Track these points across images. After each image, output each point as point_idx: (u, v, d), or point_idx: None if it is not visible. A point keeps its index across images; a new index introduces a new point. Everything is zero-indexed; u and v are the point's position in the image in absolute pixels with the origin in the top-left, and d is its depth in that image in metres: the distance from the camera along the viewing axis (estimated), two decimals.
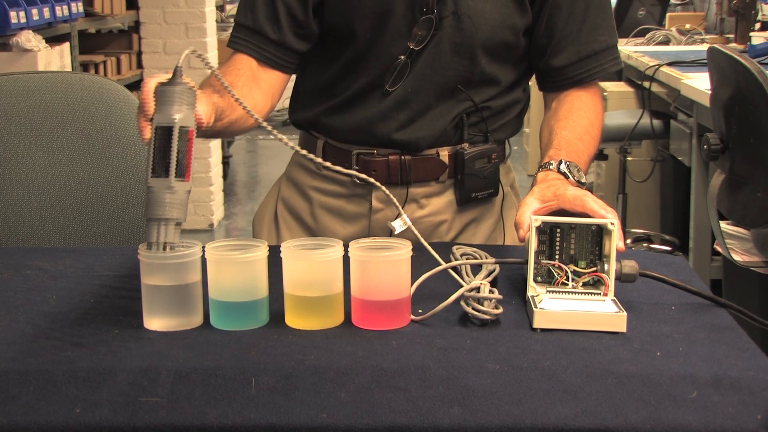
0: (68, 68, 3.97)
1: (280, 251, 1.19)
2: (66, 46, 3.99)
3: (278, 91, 1.60)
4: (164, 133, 1.15)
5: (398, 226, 1.30)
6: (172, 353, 1.10)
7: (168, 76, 1.19)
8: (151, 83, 1.18)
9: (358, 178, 1.55)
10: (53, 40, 3.96)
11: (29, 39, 3.59)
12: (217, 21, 5.66)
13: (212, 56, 5.39)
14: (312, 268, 1.19)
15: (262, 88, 1.56)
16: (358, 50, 1.58)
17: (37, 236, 1.84)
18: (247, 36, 1.57)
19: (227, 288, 1.19)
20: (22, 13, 3.56)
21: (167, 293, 1.18)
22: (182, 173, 1.15)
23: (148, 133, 1.16)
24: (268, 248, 1.20)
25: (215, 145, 5.48)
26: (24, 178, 1.84)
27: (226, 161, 6.32)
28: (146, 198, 1.15)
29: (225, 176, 6.06)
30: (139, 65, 5.23)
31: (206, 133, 1.33)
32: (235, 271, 1.19)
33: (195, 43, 5.25)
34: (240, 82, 1.51)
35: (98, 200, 1.87)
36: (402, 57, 1.56)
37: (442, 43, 1.56)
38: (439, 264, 1.29)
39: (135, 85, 5.16)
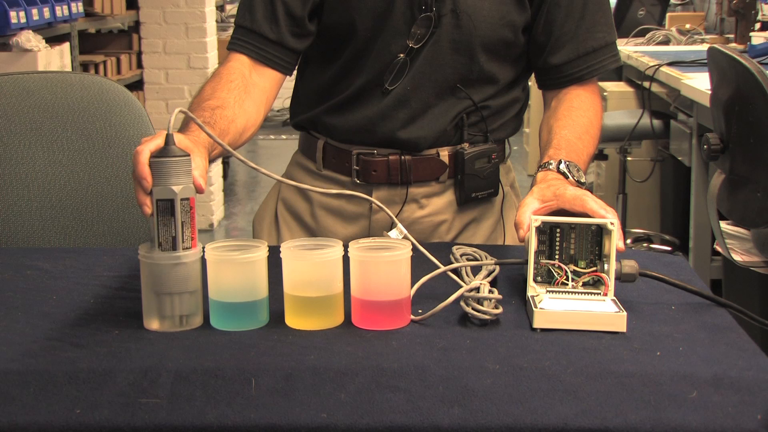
0: (68, 68, 3.97)
1: (280, 251, 1.19)
2: (66, 46, 3.99)
3: (272, 95, 1.60)
4: (166, 207, 1.16)
5: (394, 235, 1.30)
6: (172, 354, 1.10)
7: (159, 142, 1.19)
8: (144, 155, 1.17)
9: (357, 183, 1.55)
10: (53, 40, 3.96)
11: (29, 39, 3.59)
12: (217, 21, 5.66)
13: (212, 56, 5.39)
14: (312, 268, 1.19)
15: (255, 97, 1.55)
16: (357, 49, 1.58)
17: (37, 236, 1.84)
18: (245, 36, 1.58)
19: (227, 288, 1.19)
20: (22, 13, 3.56)
21: (168, 296, 1.18)
22: (189, 245, 1.17)
23: (148, 208, 1.17)
24: (268, 248, 1.20)
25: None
26: (24, 178, 1.84)
27: (226, 161, 6.32)
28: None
29: (225, 176, 6.06)
30: (139, 65, 5.23)
31: None
32: (235, 272, 1.19)
33: (195, 43, 5.25)
34: (231, 99, 1.50)
35: (98, 200, 1.87)
36: (401, 55, 1.56)
37: (441, 41, 1.56)
38: (436, 266, 1.28)
39: (135, 85, 5.16)
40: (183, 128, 1.39)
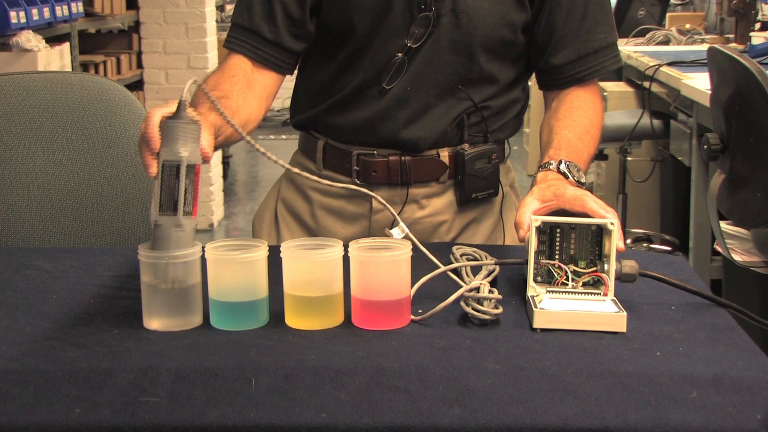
0: (68, 68, 3.97)
1: (280, 251, 1.19)
2: (66, 46, 3.99)
3: (272, 92, 1.60)
4: (172, 171, 1.16)
5: (396, 233, 1.30)
6: (172, 353, 1.10)
7: (171, 108, 1.19)
8: (155, 118, 1.18)
9: (357, 183, 1.55)
10: (53, 40, 3.96)
11: (29, 39, 3.59)
12: (217, 21, 5.66)
13: (212, 56, 5.39)
14: (312, 268, 1.19)
15: (257, 92, 1.56)
16: (355, 48, 1.58)
17: (37, 236, 1.84)
18: (243, 36, 1.57)
19: (227, 288, 1.19)
20: (22, 13, 3.56)
21: (167, 293, 1.18)
22: (190, 210, 1.17)
23: (154, 169, 1.17)
24: (268, 248, 1.20)
25: None
26: (24, 178, 1.84)
27: (226, 161, 6.32)
28: (153, 234, 1.17)
29: (225, 176, 6.06)
30: (139, 65, 5.23)
31: None
32: (235, 271, 1.19)
33: (195, 43, 5.25)
34: (235, 92, 1.51)
35: (98, 200, 1.87)
36: (399, 55, 1.56)
37: (440, 40, 1.56)
38: (436, 266, 1.28)
39: (135, 85, 5.16)
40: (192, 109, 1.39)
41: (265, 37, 1.56)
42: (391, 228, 1.32)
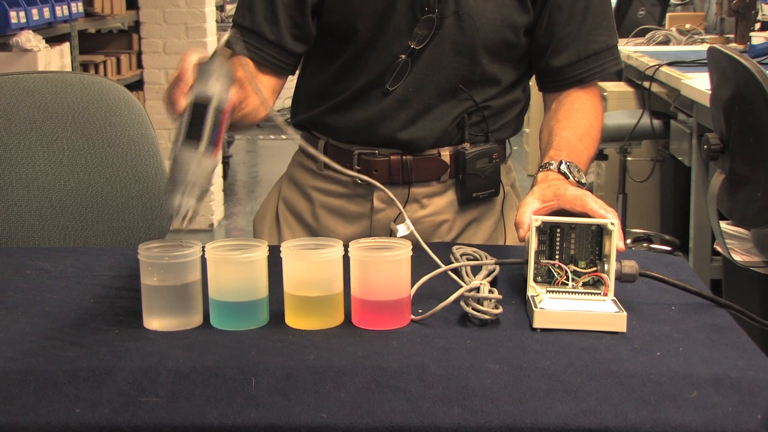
0: (68, 68, 3.97)
1: (281, 251, 1.19)
2: (66, 46, 3.99)
3: (275, 93, 1.60)
4: (200, 107, 1.16)
5: (401, 230, 1.30)
6: (172, 353, 1.10)
7: (206, 55, 1.20)
8: (191, 57, 1.19)
9: (360, 179, 1.55)
10: (53, 40, 3.96)
11: (29, 39, 3.59)
12: (217, 21, 5.65)
13: None
14: (312, 268, 1.19)
15: (264, 84, 1.56)
16: (358, 49, 1.58)
17: (37, 236, 1.84)
18: (245, 36, 1.57)
19: (227, 288, 1.19)
20: (22, 13, 3.56)
21: (167, 293, 1.18)
22: (212, 149, 1.16)
23: (181, 105, 1.17)
24: (268, 248, 1.20)
25: None
26: (24, 178, 1.84)
27: (226, 161, 6.32)
28: (172, 167, 1.15)
29: (225, 176, 6.06)
30: (139, 65, 5.23)
31: None
32: (235, 271, 1.19)
33: (195, 43, 5.25)
34: (248, 77, 1.51)
35: (98, 200, 1.87)
36: (403, 56, 1.56)
37: (443, 42, 1.56)
38: (438, 265, 1.28)
39: (135, 85, 5.16)
40: None
41: (266, 38, 1.56)
42: (396, 223, 1.31)
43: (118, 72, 4.87)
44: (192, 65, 1.19)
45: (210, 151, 1.16)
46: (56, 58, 3.80)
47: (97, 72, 4.50)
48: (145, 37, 5.22)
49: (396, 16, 1.55)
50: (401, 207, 1.33)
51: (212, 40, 5.38)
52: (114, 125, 1.88)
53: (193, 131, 1.15)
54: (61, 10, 3.92)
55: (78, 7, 4.13)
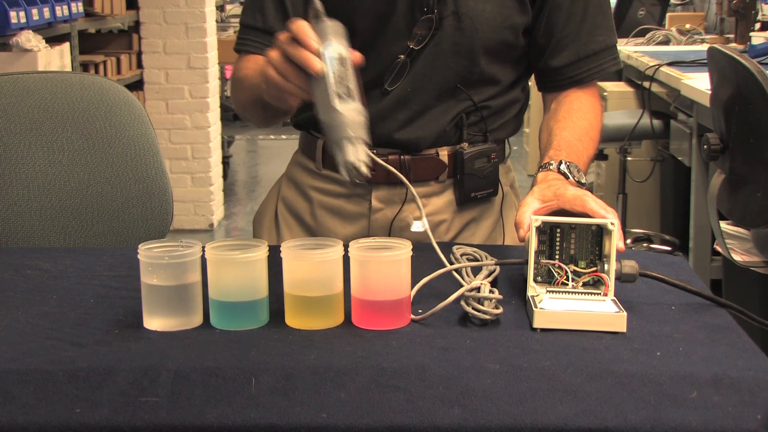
0: (68, 68, 3.97)
1: (280, 251, 1.19)
2: (66, 46, 3.99)
3: None
4: (340, 62, 1.17)
5: (417, 226, 1.29)
6: (172, 353, 1.10)
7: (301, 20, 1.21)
8: (303, 23, 1.19)
9: (358, 183, 1.55)
10: (53, 40, 3.96)
11: (29, 39, 3.59)
12: (217, 21, 5.66)
13: (212, 56, 5.39)
14: (312, 268, 1.19)
15: None
16: (357, 49, 1.57)
17: (37, 236, 1.84)
18: (257, 38, 1.57)
19: (227, 288, 1.19)
20: (22, 13, 3.56)
21: (167, 293, 1.18)
22: (364, 101, 1.17)
23: (318, 63, 1.17)
24: (268, 248, 1.20)
25: (215, 144, 5.49)
26: (24, 178, 1.84)
27: (226, 161, 6.32)
28: (332, 121, 1.16)
29: (225, 176, 6.06)
30: (139, 65, 5.23)
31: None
32: (235, 271, 1.19)
33: (195, 43, 5.25)
34: None
35: (98, 200, 1.87)
36: (402, 56, 1.56)
37: (443, 42, 1.56)
38: (445, 266, 1.28)
39: (135, 85, 5.16)
40: None
41: None
42: (412, 222, 1.31)
43: (118, 72, 4.87)
44: (306, 26, 1.19)
45: (361, 100, 1.17)
46: (56, 58, 3.80)
47: (97, 72, 4.51)
48: (145, 37, 5.22)
49: (395, 17, 1.55)
50: (420, 205, 1.32)
51: (212, 39, 5.38)
52: (114, 125, 1.88)
53: (342, 86, 1.16)
54: (61, 10, 3.92)
55: (78, 7, 4.13)
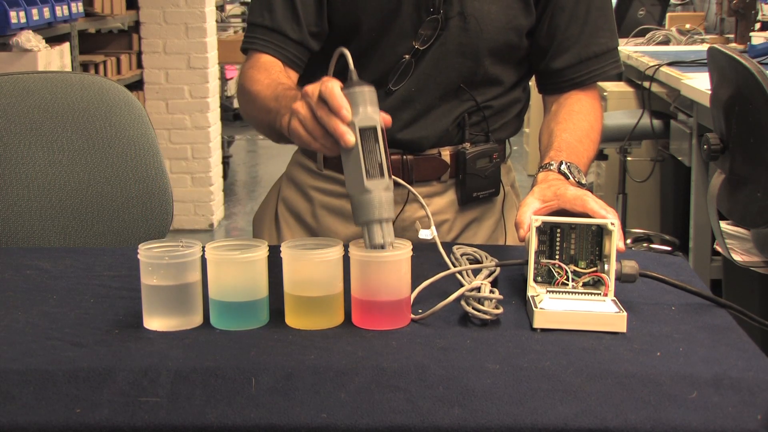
0: (68, 68, 3.97)
1: (281, 251, 1.19)
2: (66, 46, 3.99)
3: None
4: (370, 135, 1.16)
5: (425, 234, 1.29)
6: (172, 353, 1.10)
7: (333, 79, 1.19)
8: (336, 89, 1.17)
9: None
10: (53, 40, 3.96)
11: (29, 39, 3.59)
12: (217, 21, 5.66)
13: (212, 56, 5.39)
14: (312, 268, 1.19)
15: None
16: (362, 49, 1.58)
17: (37, 236, 1.84)
18: (266, 36, 1.56)
19: (227, 288, 1.19)
20: (22, 13, 3.56)
21: (167, 293, 1.18)
22: (390, 172, 1.17)
23: (352, 136, 1.16)
24: (268, 248, 1.20)
25: (215, 145, 5.49)
26: (24, 178, 1.84)
27: (226, 161, 6.32)
28: (361, 201, 1.17)
29: (225, 176, 6.06)
30: (139, 65, 5.23)
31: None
32: (235, 271, 1.19)
33: (195, 43, 5.25)
34: (287, 80, 1.49)
35: (98, 200, 1.87)
36: (406, 56, 1.56)
37: (447, 43, 1.56)
38: (449, 269, 1.28)
39: (135, 85, 5.16)
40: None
41: (289, 36, 1.55)
42: (419, 229, 1.30)
43: (118, 72, 4.87)
44: (341, 94, 1.16)
45: (390, 175, 1.17)
46: (56, 58, 3.80)
47: (97, 72, 4.50)
48: (145, 37, 5.22)
49: (401, 17, 1.55)
50: (428, 212, 1.32)
51: (212, 39, 5.38)
52: (114, 125, 1.88)
53: (372, 161, 1.16)
54: (61, 10, 3.92)
55: (78, 7, 4.13)
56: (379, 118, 1.18)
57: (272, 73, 1.50)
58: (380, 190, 1.16)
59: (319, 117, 1.19)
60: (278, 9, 1.56)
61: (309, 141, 1.22)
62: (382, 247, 1.17)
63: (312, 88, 1.21)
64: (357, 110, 1.17)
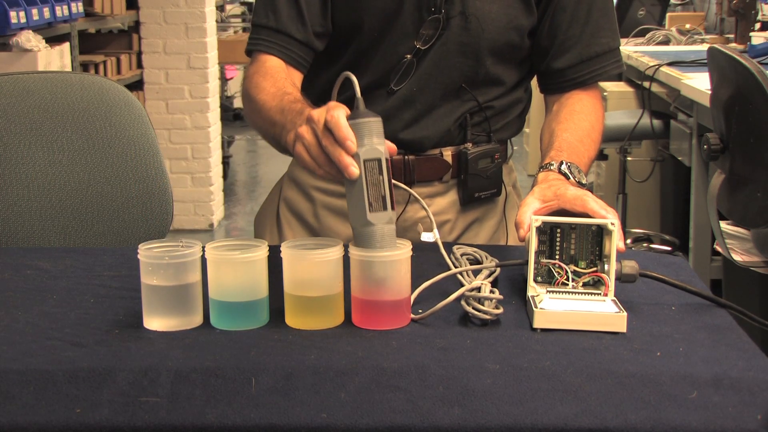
0: (68, 68, 3.97)
1: (281, 251, 1.19)
2: (66, 46, 3.99)
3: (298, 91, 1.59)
4: (374, 167, 1.16)
5: (428, 237, 1.29)
6: (172, 353, 1.10)
7: (341, 107, 1.18)
8: (341, 118, 1.16)
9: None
10: (53, 40, 3.96)
11: (29, 39, 3.59)
12: (217, 21, 5.66)
13: (212, 56, 5.39)
14: (312, 268, 1.19)
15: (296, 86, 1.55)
16: (363, 49, 1.58)
17: (37, 236, 1.84)
18: (271, 37, 1.56)
19: (227, 288, 1.19)
20: (22, 13, 3.56)
21: (167, 293, 1.18)
22: (393, 204, 1.17)
23: (356, 168, 1.16)
24: (268, 248, 1.20)
25: (215, 145, 5.49)
26: (24, 178, 1.84)
27: (226, 161, 6.32)
28: (363, 234, 1.17)
29: (225, 176, 6.06)
30: (139, 65, 5.23)
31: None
32: (235, 271, 1.19)
33: (195, 43, 5.25)
34: (292, 89, 1.48)
35: (98, 200, 1.87)
36: (408, 56, 1.56)
37: (449, 43, 1.56)
38: (450, 270, 1.28)
39: (135, 85, 5.16)
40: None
41: (294, 37, 1.55)
42: (422, 231, 1.30)
43: (118, 72, 4.87)
44: (347, 125, 1.16)
45: (393, 207, 1.17)
46: (56, 58, 3.80)
47: (97, 72, 4.50)
48: (145, 37, 5.22)
49: (403, 17, 1.55)
50: (431, 216, 1.32)
51: (212, 39, 5.38)
52: (114, 125, 1.88)
53: (375, 194, 1.16)
54: (61, 10, 3.92)
55: (78, 7, 4.13)
56: (384, 150, 1.17)
57: (278, 81, 1.49)
58: (382, 224, 1.17)
59: (324, 146, 1.19)
60: (283, 10, 1.56)
61: (313, 167, 1.22)
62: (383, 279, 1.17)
63: (318, 115, 1.20)
64: (362, 141, 1.16)
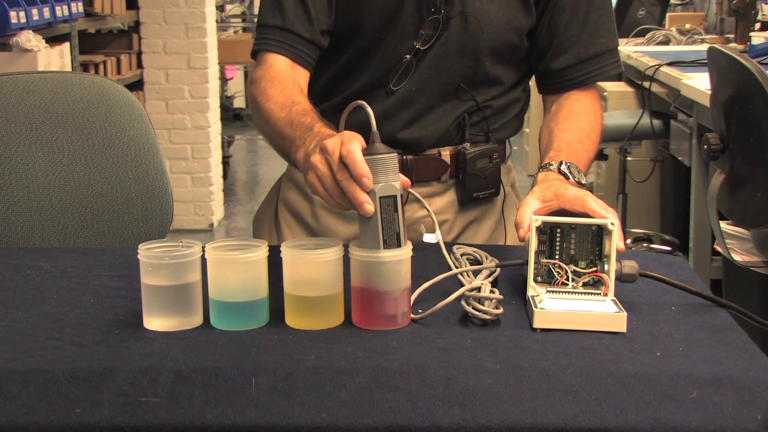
0: (68, 68, 3.97)
1: (280, 251, 1.19)
2: (66, 46, 3.99)
3: (305, 90, 1.58)
4: (389, 204, 1.16)
5: (430, 238, 1.29)
6: (172, 353, 1.10)
7: (356, 140, 1.17)
8: (358, 154, 1.15)
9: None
10: (53, 40, 3.96)
11: (29, 39, 3.59)
12: (217, 21, 5.66)
13: (212, 56, 5.39)
14: (312, 268, 1.19)
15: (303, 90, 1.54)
16: (363, 49, 1.58)
17: (37, 236, 1.84)
18: (278, 36, 1.55)
19: (227, 288, 1.19)
20: (22, 13, 3.56)
21: (167, 293, 1.18)
22: (406, 240, 1.17)
23: (371, 206, 1.15)
24: (268, 248, 1.20)
25: (215, 144, 5.49)
26: (24, 178, 1.84)
27: (226, 161, 6.32)
28: (377, 270, 1.16)
29: (225, 176, 6.06)
30: (139, 65, 5.23)
31: None
32: (235, 271, 1.19)
33: (195, 43, 5.25)
34: (301, 97, 1.47)
35: (98, 200, 1.87)
36: (407, 56, 1.56)
37: (448, 43, 1.56)
38: (451, 270, 1.28)
39: (135, 85, 5.16)
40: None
41: (302, 35, 1.55)
42: (425, 233, 1.30)
43: (118, 72, 4.87)
44: (363, 161, 1.15)
45: (406, 242, 1.17)
46: (56, 58, 3.80)
47: (97, 72, 4.50)
48: (145, 37, 5.22)
49: (402, 17, 1.55)
50: (434, 217, 1.31)
51: (212, 39, 5.38)
52: (114, 125, 1.88)
53: (389, 231, 1.16)
54: (61, 10, 3.92)
55: (78, 7, 4.13)
56: (399, 186, 1.17)
57: (285, 88, 1.48)
58: (396, 261, 1.17)
59: (338, 180, 1.17)
60: (289, 9, 1.55)
61: (326, 198, 1.21)
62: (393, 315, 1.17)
63: (333, 146, 1.18)
64: (378, 178, 1.16)
